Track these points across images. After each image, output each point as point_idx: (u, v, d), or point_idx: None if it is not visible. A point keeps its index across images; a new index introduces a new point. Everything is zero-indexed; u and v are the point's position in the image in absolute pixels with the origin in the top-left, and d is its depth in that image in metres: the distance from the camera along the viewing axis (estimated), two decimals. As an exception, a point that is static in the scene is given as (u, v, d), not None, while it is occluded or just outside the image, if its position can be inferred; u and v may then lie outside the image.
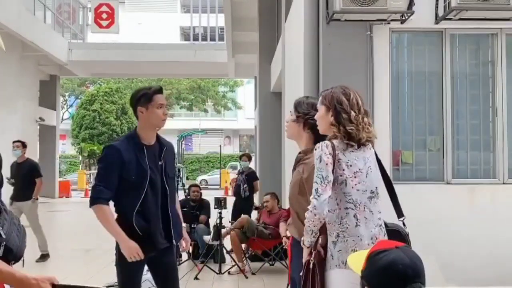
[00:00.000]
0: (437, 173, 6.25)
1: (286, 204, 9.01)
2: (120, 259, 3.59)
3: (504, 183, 6.21)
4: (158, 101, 3.61)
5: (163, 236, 3.64)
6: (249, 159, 10.72)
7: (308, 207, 2.91)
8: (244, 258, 7.95)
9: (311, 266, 2.93)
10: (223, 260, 7.85)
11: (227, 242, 8.10)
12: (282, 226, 7.95)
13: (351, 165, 2.95)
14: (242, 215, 8.49)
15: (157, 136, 3.74)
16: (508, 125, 6.25)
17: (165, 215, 3.66)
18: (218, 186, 30.97)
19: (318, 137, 3.29)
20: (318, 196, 2.86)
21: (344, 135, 2.96)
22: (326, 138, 3.27)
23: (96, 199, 3.51)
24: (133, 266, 3.55)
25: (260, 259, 8.07)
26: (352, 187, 2.94)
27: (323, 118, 3.08)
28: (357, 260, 1.92)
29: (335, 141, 2.97)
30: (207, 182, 34.68)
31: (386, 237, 2.98)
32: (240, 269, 7.60)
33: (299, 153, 3.42)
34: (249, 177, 10.22)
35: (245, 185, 10.05)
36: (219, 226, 7.92)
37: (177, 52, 24.17)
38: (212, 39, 27.52)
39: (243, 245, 8.11)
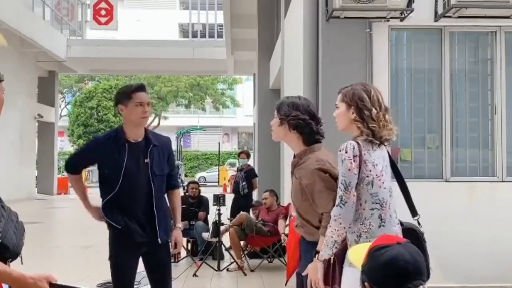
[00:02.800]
0: (436, 171, 6.25)
1: (285, 201, 9.01)
2: (112, 254, 3.65)
3: (502, 181, 6.22)
4: (137, 99, 3.60)
5: (144, 232, 3.63)
6: (248, 156, 10.72)
7: (332, 214, 2.85)
8: (243, 255, 7.95)
9: (331, 261, 2.90)
10: (221, 257, 7.85)
11: (226, 239, 8.10)
12: (281, 223, 7.95)
13: (376, 165, 2.90)
14: (241, 212, 8.49)
15: (146, 133, 3.72)
16: (507, 123, 6.25)
17: (150, 212, 3.65)
18: (216, 183, 30.95)
19: (306, 137, 3.22)
20: (343, 204, 2.82)
21: (369, 131, 2.91)
22: (315, 137, 3.21)
23: (66, 166, 3.87)
24: (124, 261, 3.61)
25: (258, 256, 8.07)
26: (380, 186, 2.90)
27: (343, 115, 3.02)
28: (358, 254, 1.91)
29: (360, 141, 2.91)
30: (205, 179, 34.68)
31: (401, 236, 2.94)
32: (238, 266, 7.60)
33: (294, 156, 3.35)
34: (248, 175, 10.23)
35: (244, 183, 10.07)
36: (218, 223, 7.92)
37: (176, 49, 24.14)
38: (211, 36, 27.43)
39: (242, 242, 8.11)
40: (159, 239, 3.68)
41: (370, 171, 2.88)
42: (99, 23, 25.47)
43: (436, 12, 6.06)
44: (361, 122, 2.94)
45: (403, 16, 5.91)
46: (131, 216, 3.61)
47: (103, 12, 25.28)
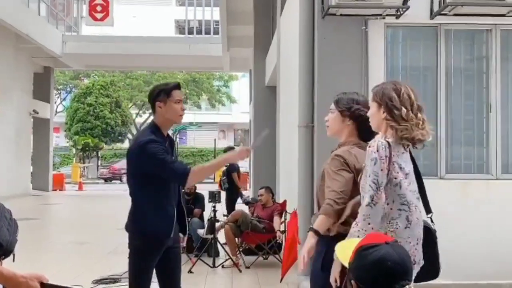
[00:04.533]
0: (431, 168, 6.26)
1: (280, 198, 9.01)
2: (136, 250, 3.62)
3: (497, 179, 6.24)
4: (176, 97, 3.68)
5: (174, 229, 3.69)
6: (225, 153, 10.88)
7: (361, 213, 2.81)
8: (238, 251, 7.95)
9: None
10: (217, 254, 7.86)
11: (221, 236, 8.11)
12: (276, 220, 7.96)
13: (403, 167, 2.87)
14: (237, 209, 8.50)
15: None
16: (501, 121, 6.27)
17: (178, 207, 3.75)
18: (212, 180, 30.92)
19: (362, 130, 3.23)
20: (374, 204, 2.77)
21: (403, 128, 2.86)
22: (369, 127, 3.11)
23: (183, 172, 3.52)
24: (149, 257, 3.60)
25: (254, 253, 8.08)
26: (406, 188, 2.87)
27: (375, 115, 2.98)
28: (345, 250, 1.91)
29: (391, 142, 2.87)
30: (201, 176, 34.56)
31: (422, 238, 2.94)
32: (234, 262, 7.61)
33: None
34: (228, 169, 10.51)
35: (224, 177, 10.41)
36: (213, 220, 7.93)
37: (172, 46, 24.12)
38: (207, 32, 27.43)
39: (237, 239, 8.11)
40: (187, 232, 3.89)
41: (398, 173, 2.85)
42: (95, 19, 25.40)
43: (431, 10, 6.06)
44: (394, 121, 2.89)
45: (398, 13, 5.91)
46: (171, 215, 3.64)
47: (98, 8, 25.21)
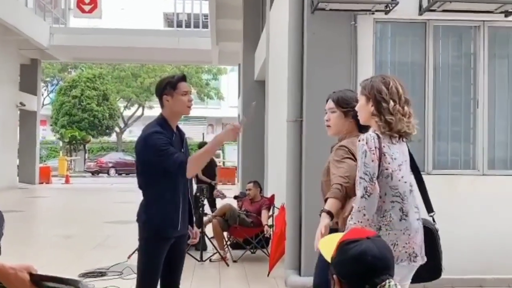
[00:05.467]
0: (417, 164, 6.29)
1: (268, 193, 9.03)
2: (144, 242, 3.62)
3: (483, 174, 6.29)
4: (183, 89, 3.67)
5: (181, 224, 3.67)
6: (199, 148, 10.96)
7: (356, 206, 2.81)
8: (226, 246, 7.96)
9: None
10: (204, 248, 7.86)
11: (209, 230, 8.10)
12: (264, 214, 7.97)
13: (395, 158, 2.88)
14: (225, 203, 8.50)
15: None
16: (488, 117, 6.32)
17: (186, 201, 3.74)
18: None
19: (360, 124, 3.29)
20: (368, 195, 2.77)
21: (385, 125, 2.89)
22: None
23: (181, 162, 3.45)
24: (158, 249, 3.59)
25: (241, 247, 8.09)
26: (399, 180, 2.88)
27: (363, 108, 3.00)
28: (328, 245, 1.92)
29: (380, 133, 2.89)
30: (189, 170, 34.54)
31: (422, 232, 2.96)
32: (221, 256, 7.61)
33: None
34: None
35: None
36: (201, 214, 7.92)
37: (160, 39, 24.02)
38: (196, 26, 27.24)
39: (225, 233, 8.12)
40: (192, 227, 3.87)
41: (389, 163, 2.86)
42: (83, 11, 25.18)
43: (420, 6, 6.09)
44: (378, 116, 2.92)
45: (388, 9, 5.93)
46: (176, 210, 3.61)
47: (86, 0, 25.00)
